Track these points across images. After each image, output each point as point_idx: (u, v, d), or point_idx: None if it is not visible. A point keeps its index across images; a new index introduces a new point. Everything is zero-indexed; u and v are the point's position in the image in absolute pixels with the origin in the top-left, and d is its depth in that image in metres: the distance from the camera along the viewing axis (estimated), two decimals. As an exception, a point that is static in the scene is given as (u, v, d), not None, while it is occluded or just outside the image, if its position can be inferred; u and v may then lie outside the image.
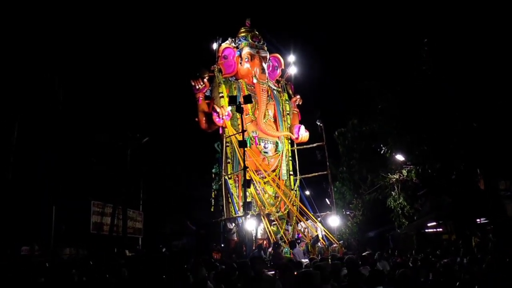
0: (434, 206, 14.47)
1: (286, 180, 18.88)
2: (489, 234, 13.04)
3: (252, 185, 17.09)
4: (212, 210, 19.04)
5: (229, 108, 17.67)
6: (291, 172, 19.22)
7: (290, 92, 20.81)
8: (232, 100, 15.31)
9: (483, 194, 12.51)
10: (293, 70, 21.19)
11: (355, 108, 15.90)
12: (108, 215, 19.49)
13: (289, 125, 19.82)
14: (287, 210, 17.87)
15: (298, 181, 18.84)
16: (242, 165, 16.79)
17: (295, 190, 18.53)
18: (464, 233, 12.86)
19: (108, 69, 22.37)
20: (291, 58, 21.13)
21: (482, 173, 11.83)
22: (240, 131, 17.76)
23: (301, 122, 20.47)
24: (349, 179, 17.53)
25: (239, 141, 15.00)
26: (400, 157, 13.78)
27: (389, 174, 14.36)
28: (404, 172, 13.88)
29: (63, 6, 19.55)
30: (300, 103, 20.60)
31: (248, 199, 17.19)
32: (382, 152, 13.79)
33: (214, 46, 20.00)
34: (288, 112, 20.01)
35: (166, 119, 25.03)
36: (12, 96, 14.39)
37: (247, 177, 15.96)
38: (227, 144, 18.12)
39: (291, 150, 19.94)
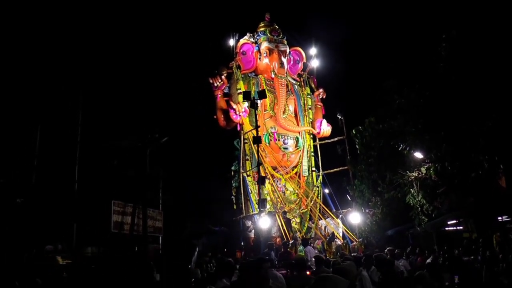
0: (454, 204, 14.35)
1: (307, 176, 18.61)
2: (511, 232, 12.88)
3: (268, 182, 17.10)
4: (234, 208, 19.10)
5: (246, 104, 17.67)
6: (314, 168, 19.04)
7: (313, 85, 20.66)
8: (246, 96, 15.28)
9: (505, 191, 12.34)
10: (315, 63, 20.87)
11: (373, 106, 15.85)
12: (129, 214, 19.85)
13: (311, 120, 19.67)
14: (309, 207, 17.68)
15: (320, 177, 18.67)
16: (262, 161, 16.89)
17: (317, 187, 18.40)
18: (485, 232, 12.70)
19: (124, 69, 22.67)
20: (313, 51, 20.85)
21: (505, 170, 11.66)
22: (258, 127, 17.85)
23: (324, 116, 20.18)
24: (368, 177, 17.41)
25: (254, 137, 14.97)
26: (419, 155, 13.70)
27: (407, 172, 14.30)
28: (423, 169, 13.78)
29: (79, 10, 19.91)
30: (324, 96, 20.45)
31: (268, 197, 17.23)
32: (400, 149, 13.73)
33: (231, 42, 19.78)
34: (310, 107, 19.86)
35: (186, 118, 25.23)
36: (35, 99, 14.85)
37: (263, 174, 16.04)
38: (245, 141, 17.99)
39: (314, 146, 19.67)
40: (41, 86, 15.76)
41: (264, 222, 14.77)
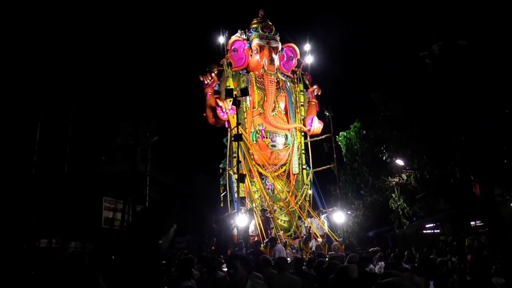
0: (431, 209, 15.31)
1: (297, 174, 18.63)
2: (482, 235, 13.89)
3: (252, 179, 17.35)
4: (222, 205, 19.32)
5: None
6: (304, 166, 18.95)
7: (307, 82, 20.38)
8: (229, 93, 15.34)
9: (479, 199, 13.31)
10: (309, 60, 20.69)
11: (361, 109, 16.63)
12: (119, 210, 20.38)
13: (302, 117, 19.59)
14: (298, 205, 17.66)
15: (310, 175, 18.64)
16: (247, 159, 17.25)
17: (307, 185, 18.40)
18: (459, 235, 13.66)
19: (118, 67, 22.90)
20: (307, 47, 20.67)
21: (478, 180, 12.62)
22: (247, 124, 18.21)
23: (317, 113, 19.99)
24: (352, 181, 18.22)
25: (235, 135, 14.87)
26: (400, 162, 14.59)
27: (389, 177, 15.20)
28: (404, 176, 14.70)
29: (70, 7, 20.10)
30: (319, 93, 20.14)
31: (256, 194, 17.45)
32: (384, 158, 14.57)
33: (222, 39, 19.63)
34: (302, 103, 19.72)
35: (177, 115, 25.57)
36: (35, 96, 15.23)
37: (241, 172, 16.21)
38: (233, 138, 17.77)
39: (305, 143, 19.55)
40: (40, 81, 16.12)
41: (240, 221, 14.86)
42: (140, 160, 22.14)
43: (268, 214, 16.75)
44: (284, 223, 17.24)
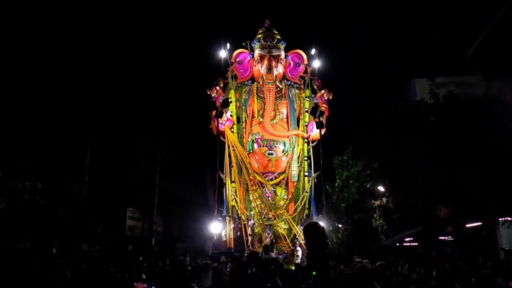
0: (407, 226, 18.50)
1: (297, 182, 18.47)
2: (447, 248, 17.02)
3: (254, 189, 18.03)
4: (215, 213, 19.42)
5: (229, 113, 18.85)
6: (306, 173, 18.69)
7: (315, 87, 20.00)
8: (224, 104, 17.35)
9: (444, 219, 16.44)
10: (317, 64, 20.35)
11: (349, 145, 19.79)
12: (139, 219, 23.41)
13: (306, 123, 19.38)
14: (298, 213, 17.93)
15: (311, 181, 18.52)
16: (244, 169, 17.78)
17: (307, 192, 18.28)
18: (428, 248, 16.81)
19: (134, 86, 25.18)
20: (313, 52, 20.48)
21: (440, 205, 15.85)
22: (245, 134, 19.05)
23: (328, 118, 19.59)
24: (344, 199, 21.41)
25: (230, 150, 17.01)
26: (381, 188, 17.80)
27: (372, 200, 18.40)
28: (384, 199, 17.91)
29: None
30: (330, 97, 19.49)
31: (254, 203, 17.63)
32: (368, 186, 17.80)
33: (224, 53, 19.98)
34: (307, 109, 19.44)
35: (182, 124, 27.92)
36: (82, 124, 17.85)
37: (248, 180, 17.35)
38: (233, 148, 18.32)
39: (308, 149, 19.21)
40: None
41: (214, 227, 17.10)
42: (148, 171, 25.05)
43: (245, 222, 17.24)
44: (283, 230, 17.65)
